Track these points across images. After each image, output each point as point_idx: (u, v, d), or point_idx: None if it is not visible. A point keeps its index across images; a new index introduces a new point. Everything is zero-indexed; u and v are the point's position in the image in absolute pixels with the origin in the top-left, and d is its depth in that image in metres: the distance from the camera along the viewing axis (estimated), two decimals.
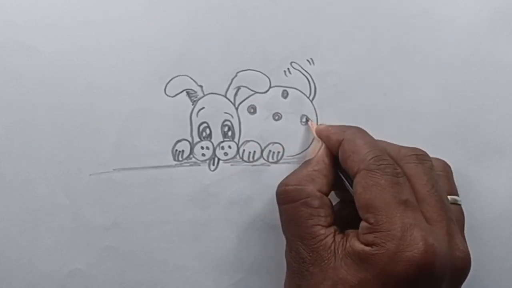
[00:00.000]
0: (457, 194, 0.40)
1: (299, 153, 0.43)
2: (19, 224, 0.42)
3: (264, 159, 0.43)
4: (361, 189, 0.36)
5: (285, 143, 0.43)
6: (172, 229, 0.42)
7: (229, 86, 0.42)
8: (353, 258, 0.35)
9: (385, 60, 0.43)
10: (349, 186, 0.38)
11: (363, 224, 0.35)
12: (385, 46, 0.43)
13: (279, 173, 0.42)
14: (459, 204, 0.40)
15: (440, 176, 0.40)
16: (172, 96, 0.42)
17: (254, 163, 0.43)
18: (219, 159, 0.42)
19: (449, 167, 0.41)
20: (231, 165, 0.42)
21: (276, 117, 0.42)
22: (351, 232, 0.36)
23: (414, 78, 0.43)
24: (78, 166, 0.42)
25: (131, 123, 0.42)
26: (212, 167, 0.42)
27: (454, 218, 0.37)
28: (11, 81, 0.41)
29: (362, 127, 0.42)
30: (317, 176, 0.38)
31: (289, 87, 0.42)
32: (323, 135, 0.40)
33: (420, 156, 0.39)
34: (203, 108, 0.42)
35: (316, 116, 0.43)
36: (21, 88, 0.41)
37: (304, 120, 0.43)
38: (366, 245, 0.35)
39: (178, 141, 0.42)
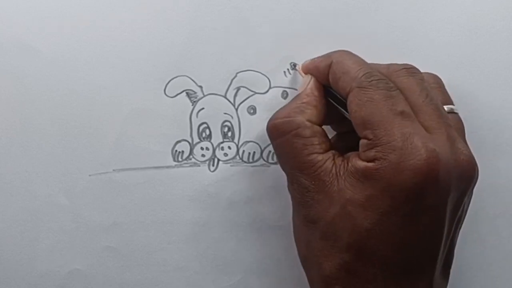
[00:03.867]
0: (452, 104, 0.40)
1: None
2: (19, 224, 0.42)
3: (263, 159, 0.43)
4: (355, 107, 0.35)
5: None
6: (172, 229, 0.43)
7: (229, 87, 0.42)
8: (357, 177, 0.34)
9: (385, 60, 0.43)
10: (345, 111, 0.37)
11: (362, 141, 0.35)
12: (385, 46, 0.43)
13: (279, 173, 0.42)
14: (456, 113, 0.39)
15: (433, 88, 0.39)
16: (172, 97, 0.42)
17: (254, 163, 0.43)
18: (218, 160, 0.42)
19: (440, 79, 0.41)
20: (231, 165, 0.42)
21: None
22: (351, 153, 0.36)
23: None
24: (78, 166, 0.42)
25: (131, 123, 0.42)
26: (212, 168, 0.42)
27: (453, 125, 0.37)
28: (11, 81, 0.41)
29: None
30: (305, 107, 0.38)
31: (289, 87, 0.42)
32: (311, 67, 0.39)
33: (410, 69, 0.38)
34: (203, 108, 0.42)
35: None
36: (21, 88, 0.41)
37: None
38: (368, 161, 0.34)
39: (178, 141, 0.42)
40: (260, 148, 0.42)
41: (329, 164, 0.36)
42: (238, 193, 0.43)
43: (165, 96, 0.42)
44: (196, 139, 0.42)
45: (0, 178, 0.42)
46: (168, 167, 0.42)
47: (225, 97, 0.42)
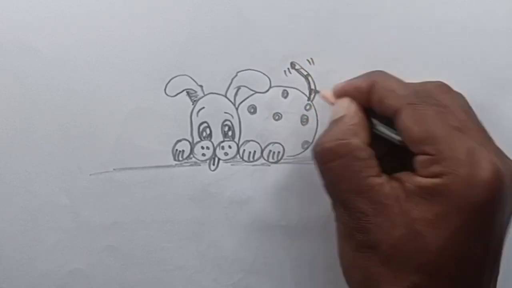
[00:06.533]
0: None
1: (299, 153, 0.43)
2: (19, 224, 0.42)
3: (264, 159, 0.43)
4: (410, 124, 0.34)
5: (285, 143, 0.43)
6: (172, 228, 0.43)
7: (229, 86, 0.42)
8: (422, 196, 0.33)
9: (385, 60, 0.43)
10: (388, 133, 0.37)
11: (421, 158, 0.34)
12: (385, 46, 0.43)
13: (279, 173, 0.43)
14: None
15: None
16: (172, 96, 0.42)
17: (254, 163, 0.43)
18: (219, 159, 0.42)
19: (465, 98, 0.40)
20: (231, 165, 0.42)
21: (276, 117, 0.43)
22: (402, 174, 0.35)
23: (414, 78, 0.43)
24: (78, 166, 0.42)
25: (131, 123, 0.42)
26: (212, 167, 0.42)
27: None
28: (11, 81, 0.41)
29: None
30: (358, 129, 0.37)
31: (289, 87, 0.42)
32: (349, 89, 0.38)
33: (445, 87, 0.37)
34: (203, 108, 0.42)
35: (316, 116, 0.43)
36: (21, 88, 0.41)
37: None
38: (433, 177, 0.33)
39: (178, 141, 0.42)
40: (261, 147, 0.43)
41: (387, 187, 0.34)
42: (239, 192, 0.43)
43: (165, 95, 0.42)
44: (196, 138, 0.42)
45: (0, 178, 0.42)
46: (168, 166, 0.42)
47: (225, 96, 0.42)
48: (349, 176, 0.35)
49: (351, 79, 0.39)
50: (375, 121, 0.38)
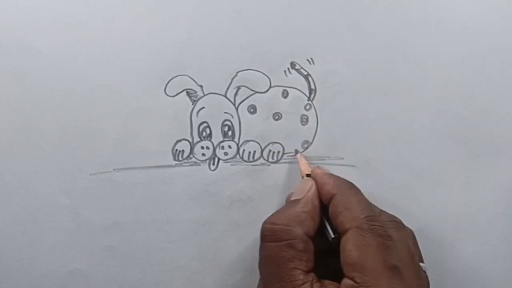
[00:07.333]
0: (423, 261, 0.40)
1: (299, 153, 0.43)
2: (19, 224, 0.42)
3: (264, 159, 0.43)
4: (351, 247, 0.35)
5: (285, 143, 0.43)
6: (172, 228, 0.43)
7: (229, 86, 0.42)
8: None
9: (385, 60, 0.43)
10: (330, 233, 0.38)
11: (347, 281, 0.35)
12: (385, 46, 0.43)
13: (279, 172, 0.43)
14: (425, 272, 0.40)
15: (413, 245, 0.40)
16: (172, 96, 0.42)
17: (254, 162, 0.43)
18: (219, 159, 0.42)
19: (415, 235, 0.41)
20: (231, 165, 0.42)
21: (276, 117, 0.43)
22: (329, 284, 0.36)
23: (414, 78, 0.43)
24: (78, 166, 0.42)
25: (131, 123, 0.42)
26: (212, 167, 0.42)
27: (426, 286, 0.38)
28: (11, 81, 0.41)
29: (362, 127, 0.43)
30: (305, 218, 0.38)
31: (289, 87, 0.42)
32: (317, 181, 0.39)
33: (399, 223, 0.39)
34: (203, 108, 0.42)
35: (316, 116, 0.43)
36: (21, 88, 0.41)
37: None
38: None
39: (178, 141, 0.42)
40: (261, 147, 0.43)
41: (307, 286, 0.35)
42: (239, 192, 0.43)
43: (165, 95, 0.42)
44: (196, 138, 0.42)
45: (0, 178, 0.42)
46: (168, 166, 0.42)
47: (225, 96, 0.42)
48: (278, 261, 0.36)
49: (325, 174, 0.40)
50: (326, 218, 0.39)
